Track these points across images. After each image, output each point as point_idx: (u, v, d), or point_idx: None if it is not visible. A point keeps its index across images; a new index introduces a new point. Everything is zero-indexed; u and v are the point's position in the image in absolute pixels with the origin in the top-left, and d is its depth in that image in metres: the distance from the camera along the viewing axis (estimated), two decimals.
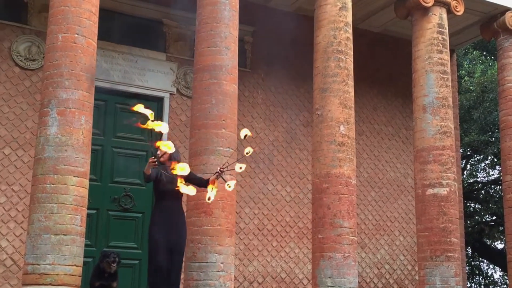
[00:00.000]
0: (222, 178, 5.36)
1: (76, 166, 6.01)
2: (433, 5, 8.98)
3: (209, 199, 5.07)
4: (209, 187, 5.17)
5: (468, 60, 17.48)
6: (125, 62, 9.12)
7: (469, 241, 16.74)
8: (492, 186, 17.96)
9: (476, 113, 15.60)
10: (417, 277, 9.55)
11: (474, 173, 18.70)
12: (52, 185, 5.90)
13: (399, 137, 11.28)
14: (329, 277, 7.32)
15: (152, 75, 9.29)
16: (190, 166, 7.01)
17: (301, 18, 9.92)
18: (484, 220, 17.89)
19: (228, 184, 4.98)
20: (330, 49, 7.98)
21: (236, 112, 7.23)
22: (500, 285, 19.71)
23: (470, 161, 18.43)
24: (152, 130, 5.02)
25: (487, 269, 20.17)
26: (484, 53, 17.82)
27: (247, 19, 9.07)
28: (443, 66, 8.85)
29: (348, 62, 8.02)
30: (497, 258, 18.28)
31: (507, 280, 18.07)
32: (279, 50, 10.08)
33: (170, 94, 9.38)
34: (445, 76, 8.86)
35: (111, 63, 9.00)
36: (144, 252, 8.00)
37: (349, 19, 8.18)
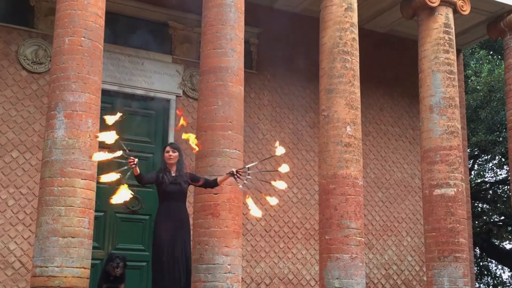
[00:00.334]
0: (235, 179, 5.34)
1: (84, 169, 6.03)
2: (439, 4, 8.96)
3: (256, 217, 5.04)
4: (248, 200, 5.11)
5: (475, 59, 17.42)
6: (132, 64, 9.14)
7: (477, 242, 16.67)
8: (500, 186, 17.88)
9: (483, 113, 15.54)
10: (425, 278, 9.52)
11: (481, 173, 18.63)
12: (60, 188, 5.92)
13: (406, 138, 11.26)
14: (337, 278, 7.31)
15: (159, 77, 9.31)
16: (197, 167, 7.07)
17: (307, 19, 9.93)
18: (492, 220, 17.82)
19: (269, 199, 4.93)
20: (336, 50, 7.97)
21: (242, 114, 7.23)
22: (508, 286, 19.62)
23: (477, 161, 18.36)
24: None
25: (496, 270, 20.09)
26: (491, 52, 17.76)
27: (252, 21, 9.08)
28: (449, 66, 8.83)
29: (354, 62, 8.01)
30: (506, 259, 18.21)
31: None
32: (285, 52, 10.09)
33: (177, 96, 9.40)
34: (451, 76, 8.83)
35: (118, 66, 9.03)
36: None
37: (355, 19, 8.17)
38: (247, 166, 5.50)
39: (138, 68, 9.18)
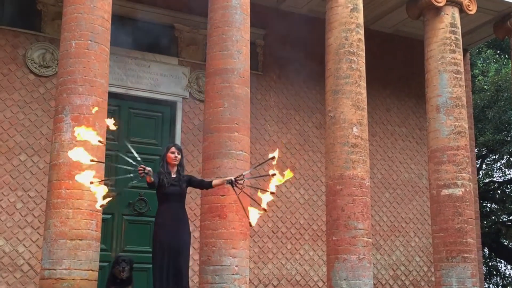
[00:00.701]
0: (233, 188, 5.22)
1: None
2: (445, 4, 8.93)
3: (250, 224, 4.86)
4: (251, 210, 4.82)
5: (481, 59, 17.36)
6: (138, 67, 9.18)
7: (486, 242, 16.59)
8: (509, 185, 17.80)
9: (490, 113, 15.48)
10: (433, 279, 9.50)
11: (490, 172, 18.56)
12: (68, 191, 5.95)
13: (413, 138, 11.23)
14: (344, 279, 7.30)
15: (165, 79, 9.34)
16: (204, 169, 7.08)
17: (313, 20, 9.93)
18: (500, 220, 17.73)
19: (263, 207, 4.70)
20: (342, 50, 7.97)
21: (249, 115, 7.24)
22: None
23: (485, 160, 18.29)
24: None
25: (505, 270, 19.98)
26: (498, 51, 17.70)
27: (258, 22, 9.09)
28: (456, 65, 8.80)
29: (360, 63, 8.01)
30: None
31: None
32: (290, 53, 10.09)
33: (183, 98, 9.42)
34: (458, 75, 8.81)
35: (124, 69, 9.06)
36: None
37: (361, 20, 8.17)
38: (243, 174, 5.42)
39: (145, 70, 9.21)
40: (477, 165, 16.61)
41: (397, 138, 11.08)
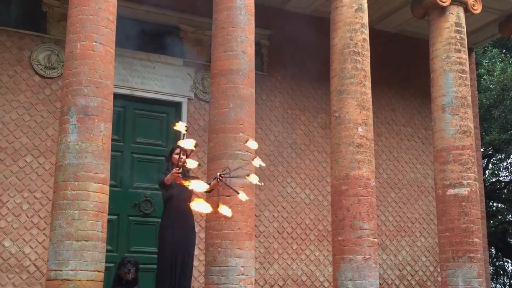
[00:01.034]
0: (228, 185, 5.06)
1: (97, 173, 6.06)
2: (450, 4, 8.91)
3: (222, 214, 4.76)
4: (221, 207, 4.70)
5: (487, 58, 17.32)
6: (143, 68, 9.19)
7: (493, 241, 16.54)
8: None
9: (496, 112, 15.44)
10: (439, 278, 9.47)
11: (496, 172, 18.51)
12: (73, 192, 5.96)
13: (419, 138, 11.21)
14: (350, 280, 7.29)
15: (170, 80, 9.35)
16: (209, 170, 7.07)
17: (317, 20, 9.92)
18: (507, 219, 17.67)
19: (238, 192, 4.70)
20: (346, 50, 7.96)
21: (254, 116, 7.24)
22: None
23: (492, 160, 18.24)
24: None
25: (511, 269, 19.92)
26: (504, 51, 17.66)
27: (263, 23, 9.09)
28: (461, 65, 8.78)
29: (365, 63, 8.00)
30: None
31: None
32: (295, 53, 10.09)
33: (188, 99, 9.43)
34: (463, 75, 8.78)
35: (130, 70, 9.08)
36: None
37: (365, 20, 8.16)
38: (229, 169, 5.35)
39: (150, 71, 9.23)
40: (483, 165, 16.58)
41: (403, 138, 11.06)
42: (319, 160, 10.18)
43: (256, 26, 7.56)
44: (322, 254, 9.83)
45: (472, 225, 8.27)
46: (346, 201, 7.54)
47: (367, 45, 8.09)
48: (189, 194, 5.74)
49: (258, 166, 4.74)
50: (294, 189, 9.89)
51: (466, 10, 9.11)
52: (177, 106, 9.38)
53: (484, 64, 17.05)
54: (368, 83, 7.98)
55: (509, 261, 19.50)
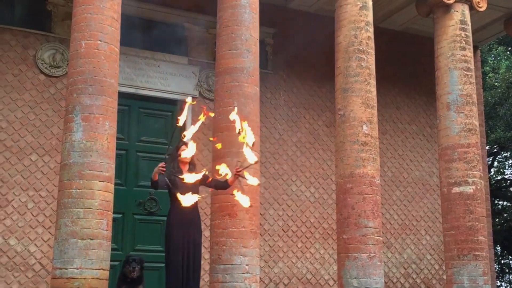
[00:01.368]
0: (243, 177, 5.38)
1: (101, 171, 6.07)
2: (455, 1, 8.88)
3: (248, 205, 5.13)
4: (236, 192, 5.14)
5: (492, 56, 17.27)
6: (148, 67, 9.20)
7: (498, 239, 16.51)
8: None
9: (501, 110, 15.40)
10: (444, 277, 9.46)
11: (501, 170, 18.46)
12: (78, 190, 5.97)
13: (423, 136, 11.19)
14: (355, 278, 7.29)
15: (175, 79, 9.35)
16: (214, 168, 7.07)
17: (322, 18, 9.90)
18: None
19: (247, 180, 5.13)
20: (351, 48, 7.95)
21: (259, 114, 7.24)
22: None
23: (497, 158, 18.19)
24: None
25: None
26: (509, 48, 17.59)
27: (267, 21, 9.08)
28: (466, 63, 8.75)
29: (370, 61, 7.98)
30: None
31: None
32: (300, 51, 10.08)
33: (193, 97, 9.42)
34: (468, 73, 8.76)
35: (134, 68, 9.09)
36: None
37: (370, 18, 8.14)
38: (241, 162, 5.61)
39: (155, 70, 9.23)
40: (489, 163, 16.54)
41: (408, 136, 11.04)
42: (324, 158, 10.17)
43: (261, 24, 7.55)
44: (327, 252, 9.83)
45: (477, 223, 8.25)
46: (351, 199, 7.54)
47: (371, 43, 8.07)
48: (195, 191, 5.75)
49: (253, 163, 5.15)
50: (299, 187, 9.88)
51: (471, 8, 9.08)
52: (181, 104, 9.37)
53: (489, 61, 17.00)
54: (373, 81, 7.97)
55: None
